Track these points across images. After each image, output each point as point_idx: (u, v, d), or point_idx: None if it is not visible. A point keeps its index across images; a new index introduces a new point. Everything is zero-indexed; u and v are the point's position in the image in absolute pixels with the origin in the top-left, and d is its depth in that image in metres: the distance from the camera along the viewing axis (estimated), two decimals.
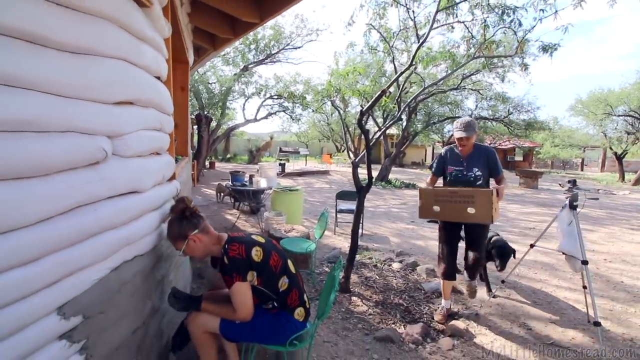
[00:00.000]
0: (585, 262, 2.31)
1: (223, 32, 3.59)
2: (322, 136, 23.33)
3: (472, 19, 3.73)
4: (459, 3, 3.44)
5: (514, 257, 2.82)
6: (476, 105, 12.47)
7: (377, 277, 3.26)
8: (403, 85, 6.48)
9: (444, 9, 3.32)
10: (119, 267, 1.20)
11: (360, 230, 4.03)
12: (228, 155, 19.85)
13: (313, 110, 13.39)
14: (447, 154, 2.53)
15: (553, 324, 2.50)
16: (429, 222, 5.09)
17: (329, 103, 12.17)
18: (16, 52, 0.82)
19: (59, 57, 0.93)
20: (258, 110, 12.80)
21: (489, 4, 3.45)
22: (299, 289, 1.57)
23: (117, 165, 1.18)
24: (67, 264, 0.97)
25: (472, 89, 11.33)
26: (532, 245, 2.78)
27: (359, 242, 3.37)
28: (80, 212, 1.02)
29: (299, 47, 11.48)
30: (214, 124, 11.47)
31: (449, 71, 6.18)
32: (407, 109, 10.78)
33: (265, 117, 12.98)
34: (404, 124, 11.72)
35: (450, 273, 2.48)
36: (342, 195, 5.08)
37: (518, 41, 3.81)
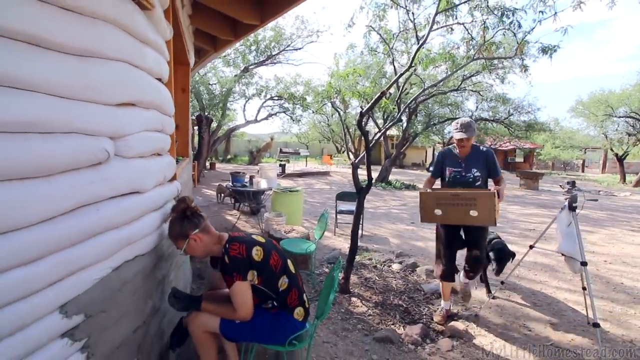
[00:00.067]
0: (584, 264, 2.31)
1: (224, 33, 3.61)
2: (323, 137, 23.36)
3: (472, 21, 3.75)
4: (458, 5, 3.46)
5: (512, 260, 2.81)
6: (477, 107, 12.49)
7: (377, 278, 3.27)
8: (403, 87, 6.49)
9: (444, 10, 3.34)
10: (120, 266, 1.21)
11: (360, 231, 4.04)
12: (228, 156, 19.89)
13: (313, 112, 13.43)
14: (445, 155, 2.52)
15: (553, 325, 2.50)
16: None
17: (329, 104, 12.21)
18: (20, 54, 0.83)
19: (62, 59, 0.94)
20: (258, 111, 12.85)
21: (488, 5, 3.47)
22: (298, 289, 1.58)
23: (119, 166, 1.20)
24: (69, 263, 0.98)
25: (472, 90, 11.35)
26: (531, 247, 2.78)
27: (359, 243, 3.38)
28: (83, 212, 1.03)
29: (300, 49, 11.54)
30: (214, 125, 11.51)
31: (449, 72, 6.19)
32: (407, 110, 10.80)
33: (266, 118, 13.02)
34: (404, 125, 11.74)
35: (448, 274, 2.47)
36: (342, 196, 5.09)
37: (517, 43, 3.82)
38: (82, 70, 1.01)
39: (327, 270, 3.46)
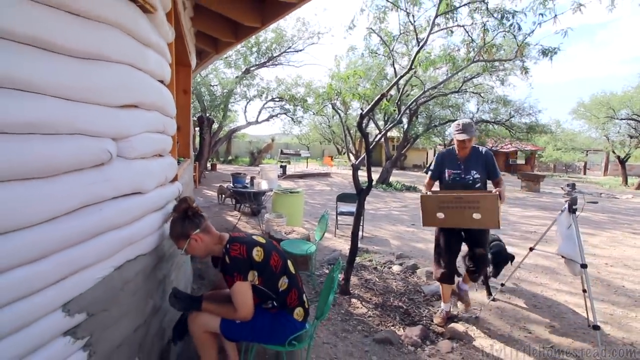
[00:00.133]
0: (584, 266, 2.31)
1: (225, 36, 3.63)
2: (323, 139, 23.38)
3: (472, 23, 3.76)
4: (458, 7, 3.48)
5: (512, 263, 2.81)
6: (478, 108, 12.49)
7: (377, 280, 3.27)
8: (404, 88, 6.50)
9: (444, 13, 3.36)
10: (122, 266, 1.23)
11: (360, 233, 4.04)
12: (229, 157, 19.93)
13: (314, 113, 13.45)
14: (445, 157, 2.51)
15: (553, 327, 2.50)
16: None
17: (330, 106, 12.22)
18: (22, 56, 0.83)
19: (65, 61, 0.96)
20: (259, 112, 12.90)
21: (487, 8, 3.48)
22: (298, 289, 1.59)
23: (121, 167, 1.21)
24: (72, 263, 0.99)
25: (473, 92, 11.35)
26: (531, 249, 2.78)
27: (359, 245, 3.38)
28: (86, 212, 1.04)
29: (301, 50, 11.58)
30: (215, 126, 11.55)
31: (450, 74, 6.20)
32: (408, 112, 10.81)
33: (267, 120, 13.06)
34: (405, 126, 11.75)
35: (448, 277, 2.47)
36: (343, 198, 5.10)
37: (518, 45, 3.83)
38: (85, 72, 1.02)
39: (327, 271, 3.47)
